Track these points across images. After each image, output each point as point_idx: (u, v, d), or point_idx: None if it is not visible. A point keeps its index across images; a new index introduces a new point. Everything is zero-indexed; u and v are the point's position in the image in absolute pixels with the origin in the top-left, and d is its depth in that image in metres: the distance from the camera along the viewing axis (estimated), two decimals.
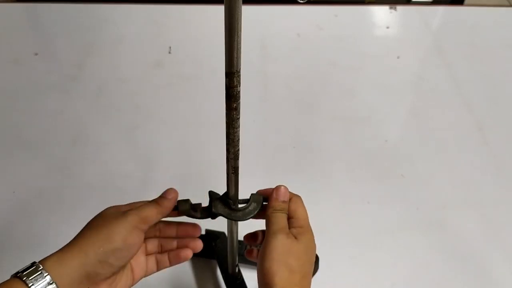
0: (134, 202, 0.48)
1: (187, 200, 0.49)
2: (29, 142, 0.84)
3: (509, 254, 0.70)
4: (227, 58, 0.37)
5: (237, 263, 0.61)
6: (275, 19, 1.15)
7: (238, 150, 0.45)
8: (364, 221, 0.73)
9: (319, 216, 0.73)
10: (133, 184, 0.77)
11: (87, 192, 0.76)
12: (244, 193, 0.50)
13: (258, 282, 0.45)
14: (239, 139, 0.44)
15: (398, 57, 1.06)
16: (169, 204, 0.47)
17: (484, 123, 0.90)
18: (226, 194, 0.49)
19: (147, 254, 0.50)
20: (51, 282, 0.39)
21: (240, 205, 0.50)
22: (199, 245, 0.50)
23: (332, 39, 1.09)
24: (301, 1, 1.16)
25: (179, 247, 0.50)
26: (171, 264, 0.50)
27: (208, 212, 0.49)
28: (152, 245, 0.50)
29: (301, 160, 0.83)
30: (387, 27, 1.14)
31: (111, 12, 1.15)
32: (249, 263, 0.66)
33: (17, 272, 0.40)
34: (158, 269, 0.50)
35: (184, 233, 0.51)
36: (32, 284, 0.38)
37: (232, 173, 0.46)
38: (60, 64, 1.02)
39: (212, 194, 0.50)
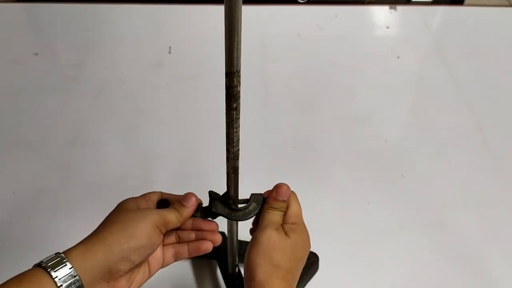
0: (148, 194, 0.49)
1: None
2: (29, 142, 0.84)
3: (509, 254, 0.70)
4: (227, 58, 0.37)
5: (237, 263, 0.61)
6: (275, 19, 1.15)
7: (238, 150, 0.45)
8: (364, 221, 0.73)
9: (319, 216, 0.73)
10: (133, 184, 0.77)
11: (87, 192, 0.76)
12: (244, 193, 0.50)
13: (243, 275, 0.46)
14: (239, 139, 0.44)
15: (398, 57, 1.06)
16: (188, 214, 0.48)
17: (484, 123, 0.90)
18: (226, 194, 0.49)
19: (164, 245, 0.49)
20: (74, 274, 0.39)
21: (240, 205, 0.50)
22: (218, 238, 0.50)
23: (332, 39, 1.09)
24: (301, 1, 1.17)
25: (197, 239, 0.50)
26: (189, 256, 0.50)
27: (208, 212, 0.49)
28: (169, 236, 0.50)
29: (301, 160, 0.83)
30: (387, 27, 1.14)
31: (111, 12, 1.15)
32: None
33: (41, 262, 0.39)
34: (176, 259, 0.50)
35: (199, 227, 0.50)
36: (56, 276, 0.38)
37: (232, 173, 0.46)
38: (60, 64, 1.02)
39: (212, 194, 0.50)
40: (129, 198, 0.48)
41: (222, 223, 0.53)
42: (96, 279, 0.40)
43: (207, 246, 0.49)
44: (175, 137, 0.86)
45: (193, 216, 0.49)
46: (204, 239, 0.50)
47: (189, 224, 0.50)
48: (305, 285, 0.64)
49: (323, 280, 0.65)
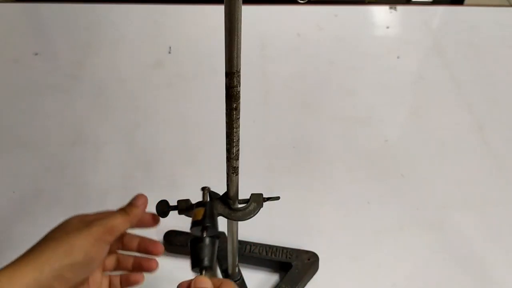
0: (101, 212, 0.46)
1: (187, 200, 0.49)
2: (29, 142, 0.84)
3: (509, 254, 0.70)
4: (227, 58, 0.37)
5: (237, 263, 0.61)
6: (275, 19, 1.15)
7: (238, 150, 0.45)
8: (364, 221, 0.73)
9: (319, 216, 0.73)
10: (133, 184, 0.77)
11: (87, 192, 0.76)
12: (244, 193, 0.50)
13: None
14: (239, 139, 0.44)
15: (398, 57, 1.06)
16: (138, 212, 0.45)
17: (484, 123, 0.90)
18: (226, 194, 0.49)
19: (104, 270, 0.47)
20: None
21: (240, 205, 0.50)
22: (153, 265, 0.48)
23: (332, 39, 1.09)
24: (301, 1, 1.16)
25: (134, 267, 0.48)
26: (122, 287, 0.48)
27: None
28: (110, 260, 0.48)
29: (301, 160, 0.83)
30: (387, 27, 1.14)
31: (111, 12, 1.14)
32: (249, 263, 0.66)
33: None
34: None
35: (144, 249, 0.48)
36: None
37: (232, 173, 0.46)
38: (60, 64, 1.02)
39: (212, 194, 0.50)
40: (77, 215, 0.44)
41: (222, 223, 0.53)
42: None
43: (137, 279, 0.47)
44: (175, 137, 0.86)
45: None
46: (140, 266, 0.47)
47: (134, 244, 0.48)
48: (305, 285, 0.64)
49: (323, 280, 0.65)
